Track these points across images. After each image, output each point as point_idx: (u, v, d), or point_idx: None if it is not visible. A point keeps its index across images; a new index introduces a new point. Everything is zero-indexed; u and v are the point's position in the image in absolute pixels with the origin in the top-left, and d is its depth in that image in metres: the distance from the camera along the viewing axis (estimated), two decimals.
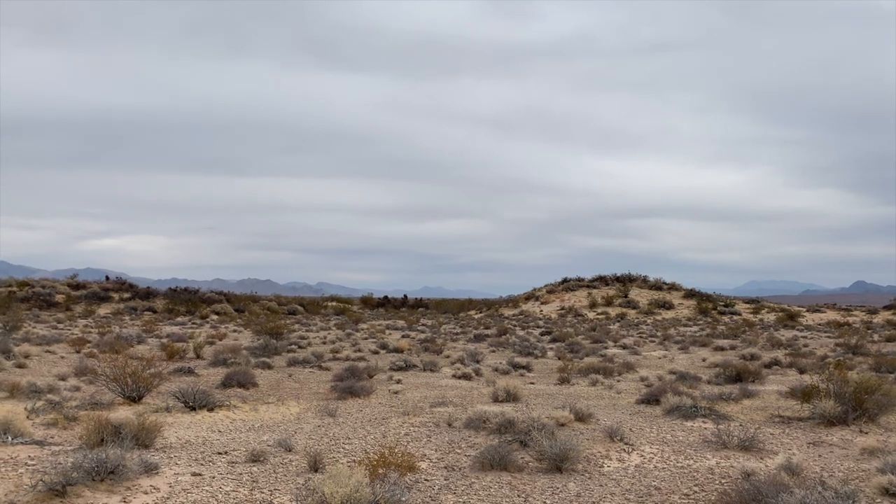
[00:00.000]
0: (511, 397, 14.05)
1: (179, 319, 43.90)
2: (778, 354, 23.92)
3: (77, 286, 53.97)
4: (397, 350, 24.81)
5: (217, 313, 49.39)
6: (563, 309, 59.17)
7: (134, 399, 13.07)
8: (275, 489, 7.87)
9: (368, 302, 69.95)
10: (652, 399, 13.70)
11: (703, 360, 23.25)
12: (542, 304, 62.95)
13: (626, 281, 65.55)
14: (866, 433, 11.11)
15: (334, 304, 63.51)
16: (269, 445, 9.71)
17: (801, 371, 19.38)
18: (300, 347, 25.49)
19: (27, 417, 10.92)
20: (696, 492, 8.09)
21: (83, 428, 9.61)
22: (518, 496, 7.84)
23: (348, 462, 8.98)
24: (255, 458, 9.01)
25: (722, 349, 27.20)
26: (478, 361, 21.31)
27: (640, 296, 61.13)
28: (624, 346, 28.17)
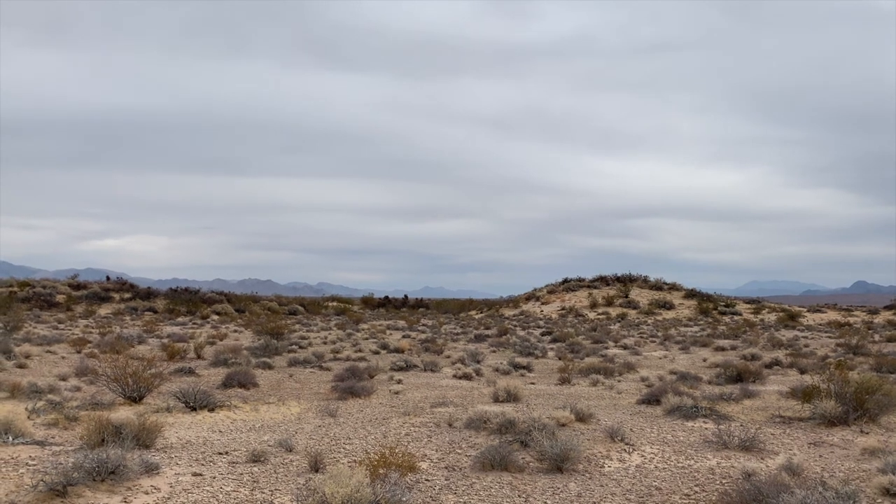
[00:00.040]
0: (512, 397, 14.05)
1: (180, 319, 43.92)
2: (779, 354, 23.91)
3: (78, 286, 53.99)
4: (398, 350, 24.81)
5: (218, 313, 49.40)
6: (563, 309, 59.16)
7: (135, 399, 13.08)
8: (275, 489, 7.87)
9: (369, 302, 69.97)
10: (653, 399, 13.69)
11: (704, 360, 23.25)
12: (542, 304, 62.95)
13: (626, 281, 65.54)
14: (867, 433, 11.10)
15: (335, 304, 63.52)
16: (269, 445, 9.71)
17: (802, 371, 19.37)
18: (301, 348, 25.50)
19: (28, 418, 10.93)
20: (696, 492, 8.09)
21: (84, 428, 9.62)
22: (519, 496, 7.84)
23: (349, 462, 8.98)
24: (256, 458, 9.01)
25: (723, 349, 27.19)
26: (478, 362, 21.31)
27: (641, 296, 61.12)
28: (624, 347, 28.16)
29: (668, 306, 58.18)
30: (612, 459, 9.48)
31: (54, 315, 42.89)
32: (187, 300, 52.57)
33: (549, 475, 8.63)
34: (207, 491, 7.73)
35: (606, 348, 27.22)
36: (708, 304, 57.93)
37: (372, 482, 7.08)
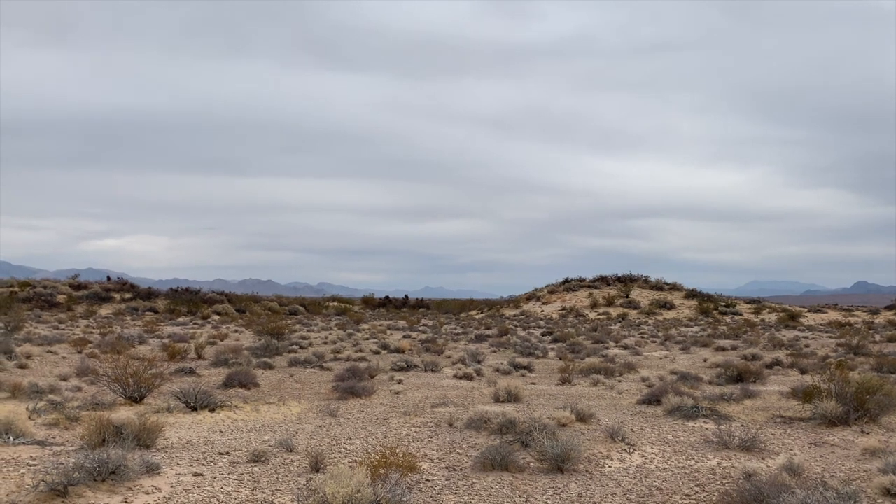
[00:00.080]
0: (512, 398, 14.05)
1: (181, 320, 43.94)
2: (779, 355, 23.90)
3: (78, 286, 54.01)
4: (398, 350, 24.81)
5: (218, 314, 49.41)
6: (564, 309, 59.16)
7: (135, 399, 13.09)
8: (276, 489, 7.88)
9: (370, 302, 69.99)
10: (653, 399, 13.69)
11: (705, 360, 23.24)
12: (543, 304, 62.94)
13: (627, 281, 65.53)
14: (868, 433, 11.10)
15: (335, 304, 63.55)
16: (270, 446, 9.71)
17: (803, 371, 19.36)
18: (301, 348, 25.50)
19: (29, 418, 10.94)
20: (697, 492, 8.09)
21: (85, 428, 9.63)
22: (519, 496, 7.84)
23: (350, 462, 8.98)
24: (257, 458, 9.01)
25: (723, 349, 27.18)
26: (479, 362, 21.31)
27: (642, 296, 61.11)
28: (625, 347, 28.16)
29: (669, 306, 58.18)
30: (612, 460, 9.48)
31: (55, 315, 42.91)
32: (188, 300, 52.58)
33: (550, 475, 8.63)
34: (208, 491, 7.74)
35: (607, 348, 27.22)
36: (708, 304, 57.92)
37: (373, 482, 7.08)
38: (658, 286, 64.54)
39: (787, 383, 16.51)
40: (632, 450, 9.96)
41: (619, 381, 17.57)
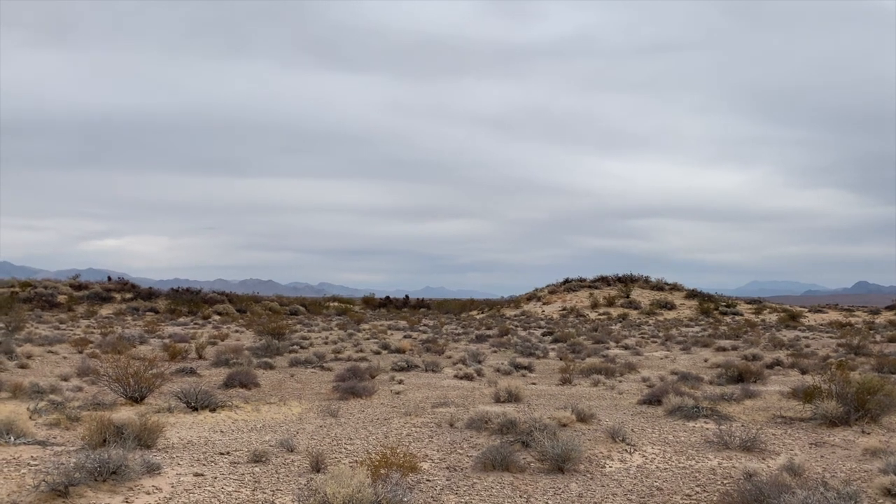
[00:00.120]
0: (513, 398, 14.05)
1: (181, 320, 43.96)
2: (780, 355, 23.89)
3: (79, 287, 54.03)
4: (399, 350, 24.81)
5: (219, 314, 49.43)
6: (564, 309, 59.15)
7: (136, 399, 13.09)
8: (277, 489, 7.88)
9: (370, 302, 70.02)
10: (654, 399, 13.69)
11: (705, 360, 23.24)
12: (543, 304, 62.94)
13: (627, 281, 65.53)
14: (868, 434, 11.10)
15: (336, 304, 63.58)
16: (271, 446, 9.71)
17: (803, 371, 19.36)
18: (302, 348, 25.50)
19: (30, 418, 10.95)
20: (698, 492, 8.09)
21: (85, 428, 9.63)
22: (520, 497, 7.85)
23: (350, 462, 8.98)
24: (258, 458, 9.02)
25: (724, 350, 27.17)
26: (479, 362, 21.31)
27: (642, 296, 61.11)
28: (626, 347, 28.15)
29: (670, 306, 58.16)
30: (613, 460, 9.48)
31: (56, 315, 42.94)
32: (189, 300, 52.61)
33: (551, 475, 8.63)
34: (209, 491, 7.74)
35: (608, 349, 27.21)
36: (709, 304, 57.92)
37: (373, 482, 7.08)
38: (659, 286, 64.54)
39: (787, 383, 16.50)
40: (632, 450, 9.96)
41: (620, 382, 17.57)
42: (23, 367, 18.26)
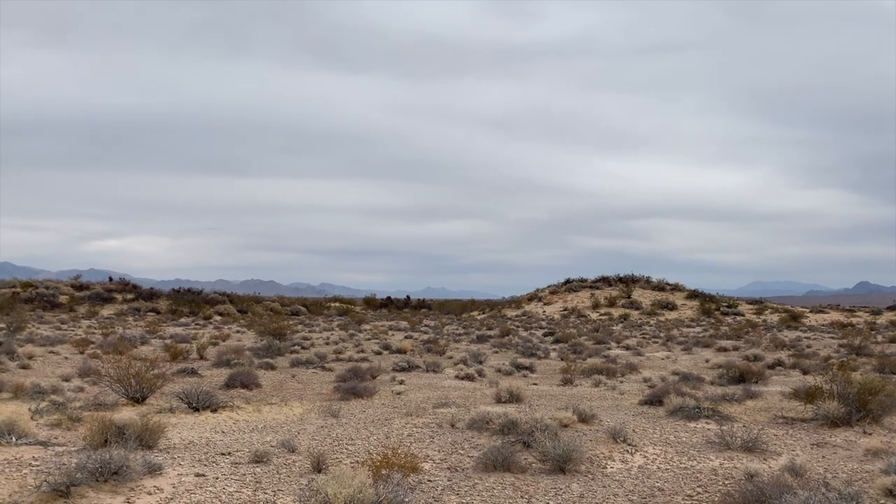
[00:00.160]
0: (514, 398, 14.04)
1: (183, 320, 43.97)
2: (781, 355, 23.87)
3: (80, 287, 54.07)
4: (400, 351, 24.82)
5: (220, 314, 49.45)
6: (565, 310, 59.14)
7: (137, 400, 13.10)
8: (278, 490, 7.89)
9: (371, 303, 70.05)
10: (655, 400, 13.69)
11: (707, 360, 23.22)
12: (544, 304, 62.93)
13: (629, 282, 65.49)
14: (870, 434, 11.09)
15: (337, 304, 63.59)
16: (272, 446, 9.72)
17: (805, 372, 19.34)
18: (303, 348, 25.51)
19: (31, 418, 10.96)
20: (699, 493, 8.09)
21: (87, 429, 9.64)
22: (521, 497, 7.84)
23: (351, 463, 8.99)
24: (259, 458, 9.02)
25: (725, 350, 27.16)
26: (481, 362, 21.31)
27: (643, 297, 61.08)
28: (627, 347, 28.14)
29: (671, 307, 58.14)
30: (614, 460, 9.47)
31: (57, 316, 42.97)
32: (190, 301, 52.63)
33: (552, 476, 8.63)
34: (210, 491, 7.75)
35: (609, 349, 27.20)
36: (710, 304, 57.88)
37: (374, 483, 7.08)
38: (660, 287, 64.51)
39: (789, 384, 16.49)
40: (634, 450, 9.96)
41: (621, 382, 17.57)
42: (24, 367, 18.28)
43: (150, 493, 7.56)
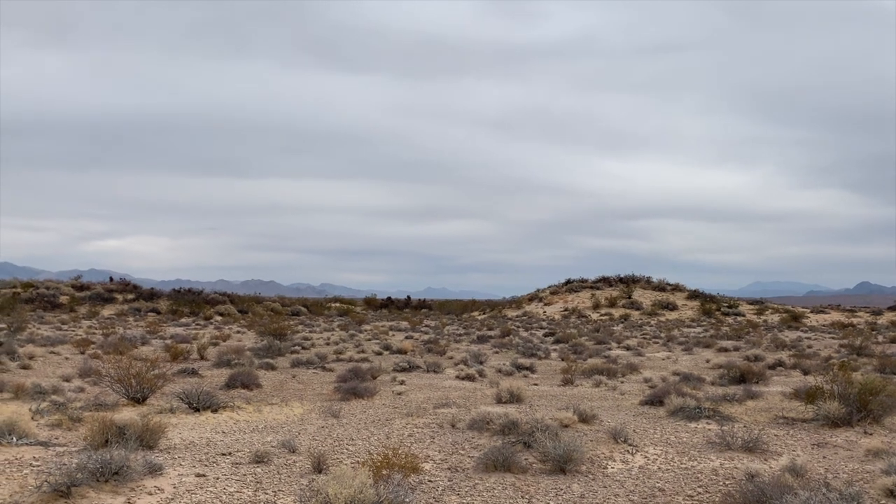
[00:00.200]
0: (514, 398, 14.04)
1: (183, 320, 43.99)
2: (782, 355, 23.87)
3: (81, 287, 54.08)
4: (401, 351, 24.82)
5: (221, 314, 49.46)
6: (566, 310, 59.13)
7: (138, 400, 13.10)
8: (279, 490, 7.89)
9: (372, 303, 70.05)
10: (656, 400, 13.68)
11: (707, 361, 23.21)
12: (545, 305, 62.92)
13: (629, 282, 65.46)
14: (871, 434, 11.08)
15: (338, 305, 63.59)
16: (272, 446, 9.72)
17: (806, 372, 19.34)
18: (304, 348, 25.51)
19: (32, 418, 10.96)
20: (700, 493, 8.08)
21: (87, 429, 9.64)
22: (522, 497, 7.84)
23: (352, 463, 8.99)
24: (259, 459, 9.02)
25: (726, 350, 27.15)
26: (481, 362, 21.31)
27: (644, 297, 61.06)
28: (627, 348, 28.14)
29: (671, 307, 58.12)
30: (615, 461, 9.47)
31: (58, 316, 42.98)
32: (190, 301, 52.63)
33: (553, 476, 8.63)
34: (211, 492, 7.75)
35: (609, 349, 27.20)
36: (711, 304, 57.85)
37: (375, 483, 7.08)
38: (660, 287, 64.48)
39: (789, 384, 16.48)
40: (634, 451, 9.95)
41: (622, 382, 17.56)
42: (25, 367, 18.28)
43: (150, 494, 7.56)
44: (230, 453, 9.46)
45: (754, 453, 9.82)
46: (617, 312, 56.20)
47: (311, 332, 36.11)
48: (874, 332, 38.36)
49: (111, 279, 59.59)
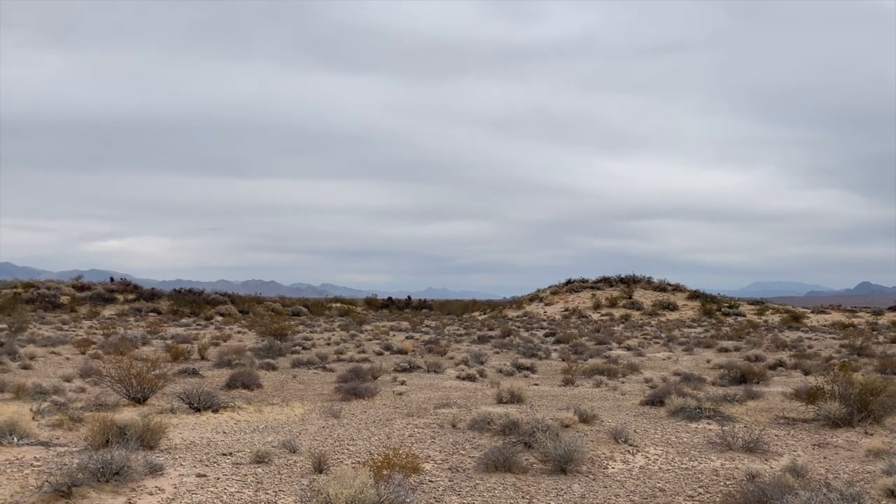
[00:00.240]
0: (515, 399, 14.04)
1: (184, 321, 43.99)
2: (782, 356, 23.86)
3: (82, 287, 54.09)
4: (401, 351, 24.81)
5: (221, 314, 49.47)
6: (566, 310, 59.12)
7: (139, 400, 13.11)
8: (279, 490, 7.89)
9: (372, 303, 70.05)
10: (656, 400, 13.68)
11: (708, 361, 23.21)
12: (545, 305, 62.90)
13: (630, 282, 65.43)
14: (871, 435, 11.08)
15: (338, 305, 63.59)
16: (273, 447, 9.72)
17: (806, 372, 19.33)
18: (304, 349, 25.52)
19: (33, 418, 10.96)
20: (700, 493, 8.08)
21: (88, 429, 9.65)
22: (522, 498, 7.84)
23: (353, 463, 8.99)
24: (260, 459, 9.03)
25: (726, 350, 27.14)
26: (482, 363, 21.31)
27: (645, 297, 61.04)
28: (628, 348, 28.13)
29: (672, 307, 58.10)
30: (615, 461, 9.47)
31: (58, 316, 43.00)
32: (191, 301, 52.64)
33: (553, 476, 8.63)
34: (211, 492, 7.75)
35: (610, 349, 27.20)
36: (711, 305, 57.82)
37: (376, 483, 7.09)
38: (661, 287, 64.45)
39: (790, 384, 16.48)
40: (635, 451, 9.95)
41: (622, 383, 17.56)
42: (26, 367, 18.29)
43: (151, 494, 7.56)
44: (231, 453, 9.47)
45: (755, 453, 9.82)
46: (617, 313, 56.18)
47: (311, 332, 36.12)
48: (875, 333, 38.34)
49: (112, 279, 59.60)
